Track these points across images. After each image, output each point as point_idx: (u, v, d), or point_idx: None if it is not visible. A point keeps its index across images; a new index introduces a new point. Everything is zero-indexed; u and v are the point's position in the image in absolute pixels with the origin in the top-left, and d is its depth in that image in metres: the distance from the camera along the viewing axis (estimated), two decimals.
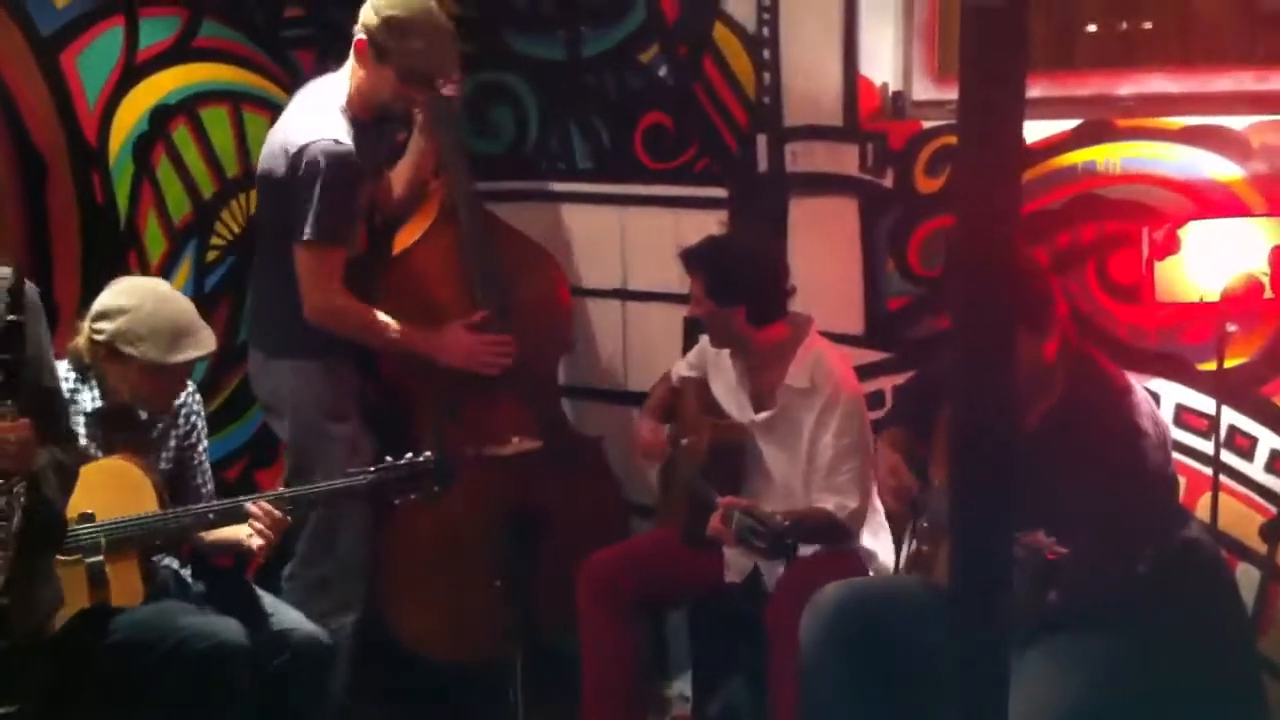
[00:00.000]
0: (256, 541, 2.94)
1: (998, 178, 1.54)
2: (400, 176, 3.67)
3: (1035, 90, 3.28)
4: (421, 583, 3.62)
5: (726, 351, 3.39)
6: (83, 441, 2.91)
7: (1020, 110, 1.53)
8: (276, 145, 3.33)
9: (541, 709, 3.59)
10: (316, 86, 3.42)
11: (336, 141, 3.25)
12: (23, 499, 2.26)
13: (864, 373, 3.52)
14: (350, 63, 3.35)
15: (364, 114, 3.36)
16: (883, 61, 3.59)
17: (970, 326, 1.58)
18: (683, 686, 3.78)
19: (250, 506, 2.93)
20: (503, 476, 3.57)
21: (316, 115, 3.31)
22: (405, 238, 3.70)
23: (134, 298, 2.94)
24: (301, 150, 3.25)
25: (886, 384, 3.62)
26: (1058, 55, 3.58)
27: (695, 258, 3.31)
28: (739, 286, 3.26)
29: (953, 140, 3.48)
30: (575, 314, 3.97)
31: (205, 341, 2.97)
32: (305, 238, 3.27)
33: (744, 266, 3.30)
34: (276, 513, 2.93)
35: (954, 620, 1.63)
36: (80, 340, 2.96)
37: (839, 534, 3.21)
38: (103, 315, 2.92)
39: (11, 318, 2.27)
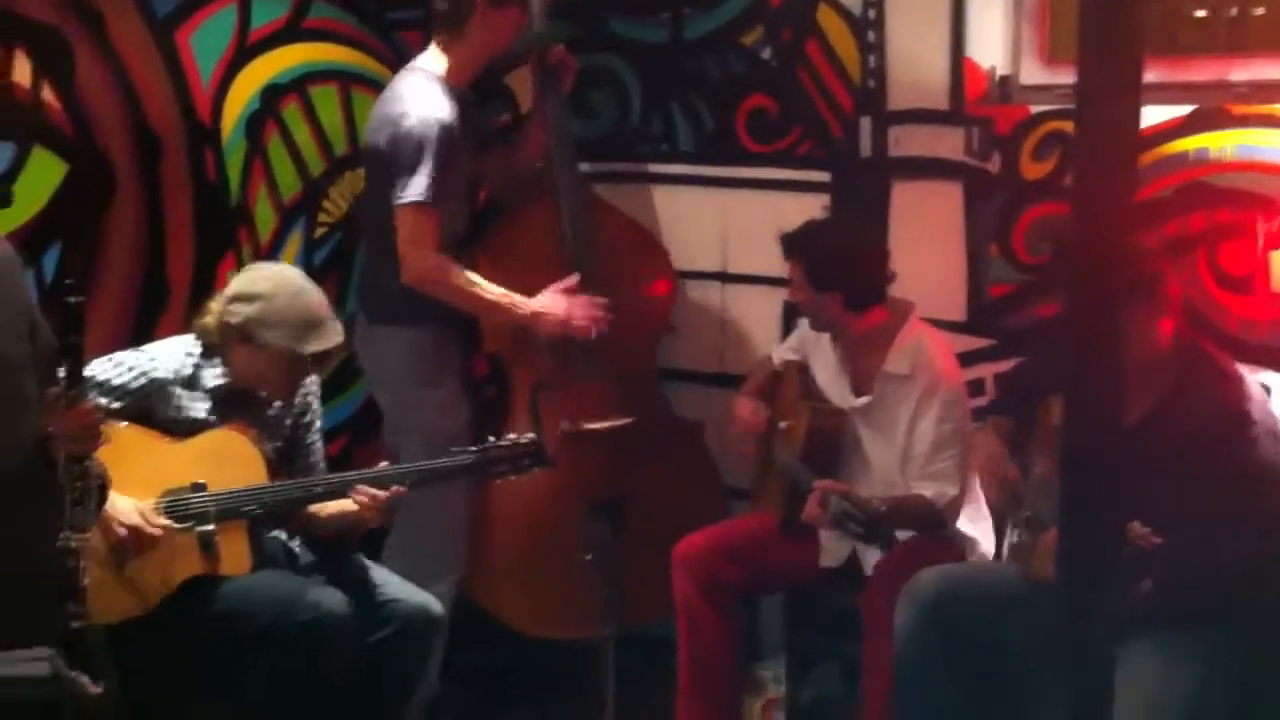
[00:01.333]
0: (368, 517, 2.99)
1: (1114, 163, 1.52)
2: (508, 155, 3.74)
3: (1147, 75, 3.21)
4: (515, 558, 3.66)
5: (827, 336, 3.38)
6: (202, 416, 2.99)
7: (1138, 95, 1.51)
8: (380, 117, 3.42)
9: (633, 690, 3.61)
10: (418, 62, 3.49)
11: (435, 105, 3.34)
12: (99, 479, 2.29)
13: (965, 360, 3.48)
14: (443, 39, 3.42)
15: (464, 79, 3.45)
16: (990, 44, 3.54)
17: (1082, 314, 1.57)
18: (776, 670, 3.78)
19: (357, 490, 2.96)
20: (599, 456, 3.60)
21: (416, 87, 3.40)
22: (506, 215, 3.75)
23: (271, 285, 2.99)
24: (400, 118, 3.33)
25: (987, 372, 3.58)
26: (1165, 41, 3.51)
27: (794, 243, 3.30)
28: (837, 272, 3.24)
29: (1062, 125, 3.45)
30: (675, 293, 3.98)
31: (334, 333, 3.01)
32: (403, 200, 3.34)
33: (842, 252, 3.28)
34: (380, 493, 2.97)
35: (1061, 612, 1.62)
36: (210, 320, 3.00)
37: (936, 521, 3.19)
38: (238, 299, 2.97)
39: (72, 299, 2.29)
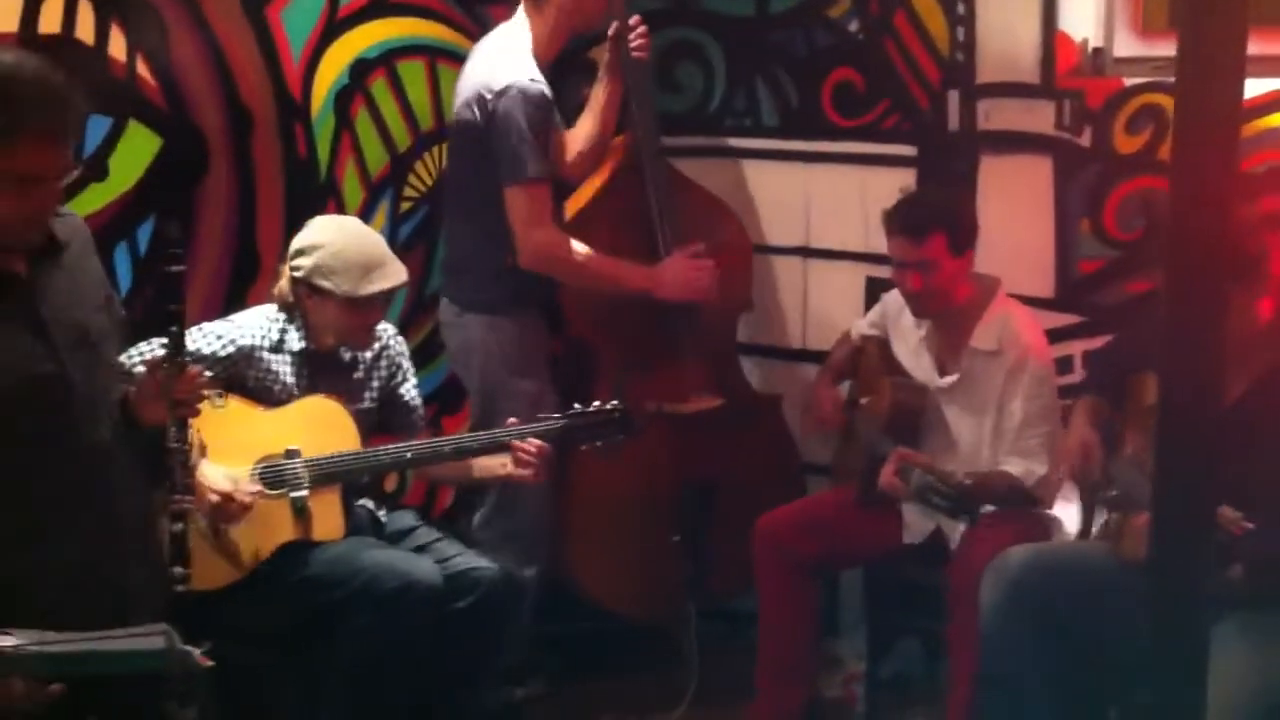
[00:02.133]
0: (522, 472, 3.05)
1: (1215, 137, 1.50)
2: (582, 131, 3.67)
3: (1250, 47, 3.14)
4: (602, 538, 3.67)
5: (908, 312, 3.35)
6: (289, 380, 3.04)
7: (1241, 67, 1.49)
8: (470, 92, 3.35)
9: (715, 665, 3.63)
10: (502, 33, 3.44)
11: (531, 80, 3.28)
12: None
13: (1053, 337, 3.43)
14: (530, 9, 3.39)
15: (549, 54, 3.40)
16: (1083, 16, 3.48)
17: (1179, 292, 1.54)
18: (856, 645, 3.78)
19: (518, 444, 3.03)
20: (682, 434, 3.61)
21: (509, 57, 3.33)
22: (587, 190, 3.75)
23: (326, 233, 3.04)
24: (497, 94, 3.27)
25: (1076, 349, 3.54)
26: (1270, 11, 3.42)
27: (930, 214, 3.17)
28: (972, 227, 3.23)
29: (1156, 98, 3.39)
30: (754, 271, 3.97)
31: (396, 273, 3.05)
32: (517, 179, 3.29)
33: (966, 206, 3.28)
34: (539, 444, 3.03)
35: (1152, 594, 1.60)
36: (282, 282, 3.07)
37: (1022, 499, 3.16)
38: (299, 253, 3.02)
39: (174, 268, 2.34)
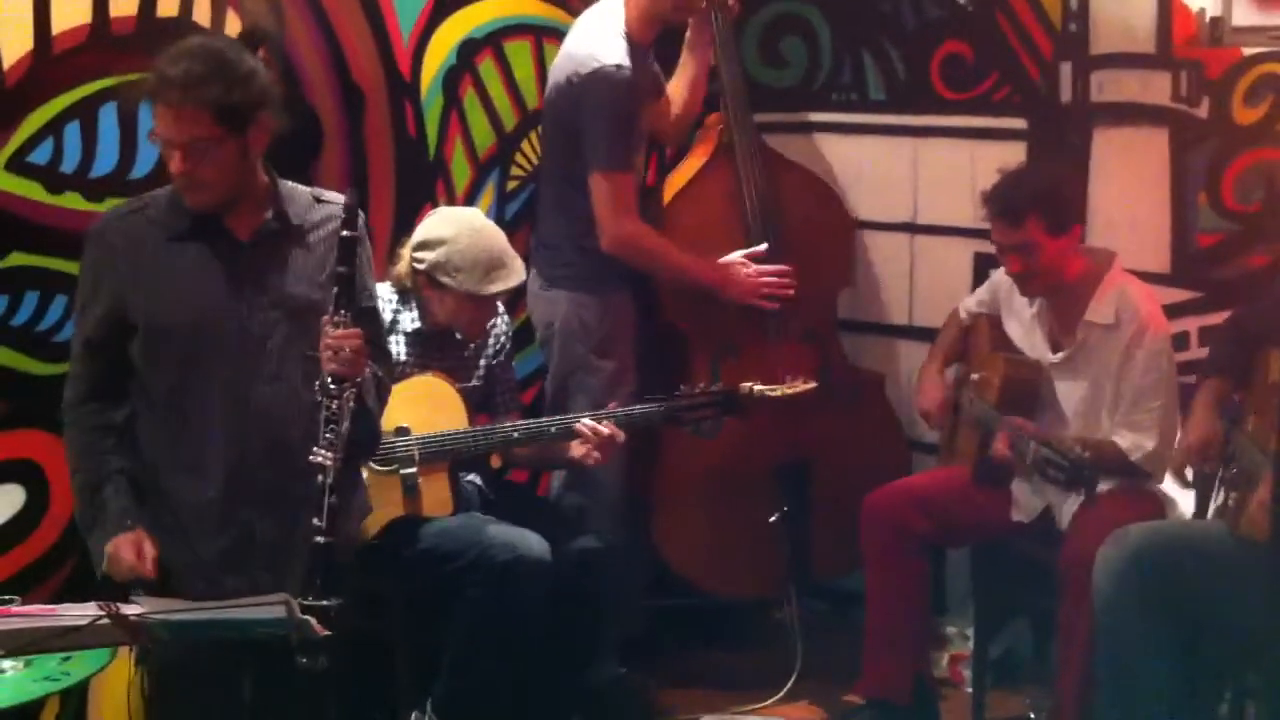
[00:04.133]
0: (595, 456, 3.08)
1: None
2: (672, 97, 3.68)
3: None
4: (700, 517, 3.67)
5: (1017, 290, 3.30)
6: (402, 358, 3.09)
7: None
8: (561, 75, 3.39)
9: (819, 645, 3.63)
10: (597, 11, 3.45)
11: (618, 67, 3.29)
12: (351, 405, 2.41)
13: (1169, 313, 3.36)
14: None
15: (644, 35, 3.40)
16: None
17: None
18: (963, 625, 3.75)
19: (581, 426, 3.07)
20: (781, 414, 3.58)
21: (597, 41, 3.35)
22: (684, 173, 3.74)
23: (453, 229, 3.08)
24: (585, 78, 3.30)
25: (1192, 325, 3.47)
26: None
27: (1027, 197, 3.10)
28: (1074, 205, 3.18)
29: (1275, 68, 3.31)
30: (855, 248, 3.93)
31: (516, 273, 3.10)
32: (599, 167, 3.33)
33: (1066, 184, 3.25)
34: (603, 429, 3.07)
35: (1271, 573, 1.57)
36: (402, 266, 3.12)
37: (1134, 470, 3.11)
38: (424, 245, 3.07)
39: (347, 233, 2.44)
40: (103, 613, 2.03)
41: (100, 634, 2.07)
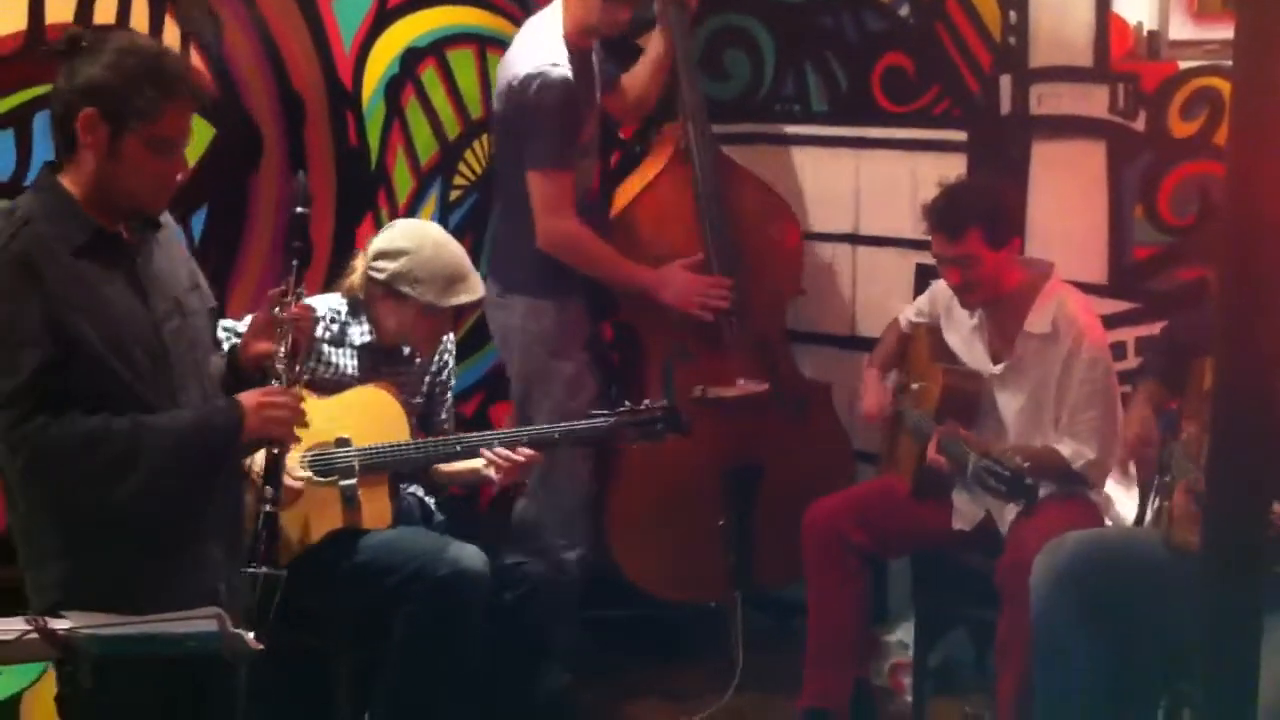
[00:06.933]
0: (494, 474, 3.03)
1: (1273, 121, 1.48)
2: (637, 78, 3.71)
3: None
4: (648, 522, 3.67)
5: (957, 301, 3.33)
6: (349, 372, 3.07)
7: None
8: (503, 81, 3.42)
9: (761, 653, 3.63)
10: (538, 20, 3.49)
11: (554, 65, 3.31)
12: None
13: (1106, 323, 3.41)
14: None
15: (581, 41, 3.42)
16: None
17: (1235, 278, 1.52)
18: (903, 634, 3.76)
19: (487, 453, 3.01)
20: (730, 421, 3.61)
21: (535, 46, 3.38)
22: (640, 178, 3.75)
23: (415, 240, 3.06)
24: (523, 80, 3.32)
25: (1129, 335, 3.51)
26: None
27: (967, 210, 3.13)
28: (1014, 218, 3.22)
29: (1211, 81, 3.34)
30: (804, 258, 3.96)
31: (476, 287, 3.09)
32: (534, 165, 3.35)
33: (1005, 196, 3.28)
34: (514, 456, 3.01)
35: (1204, 584, 1.59)
36: (355, 278, 3.09)
37: (1074, 477, 3.14)
38: (384, 255, 3.04)
39: (300, 210, 2.48)
40: (30, 627, 2.00)
41: (29, 649, 2.04)
